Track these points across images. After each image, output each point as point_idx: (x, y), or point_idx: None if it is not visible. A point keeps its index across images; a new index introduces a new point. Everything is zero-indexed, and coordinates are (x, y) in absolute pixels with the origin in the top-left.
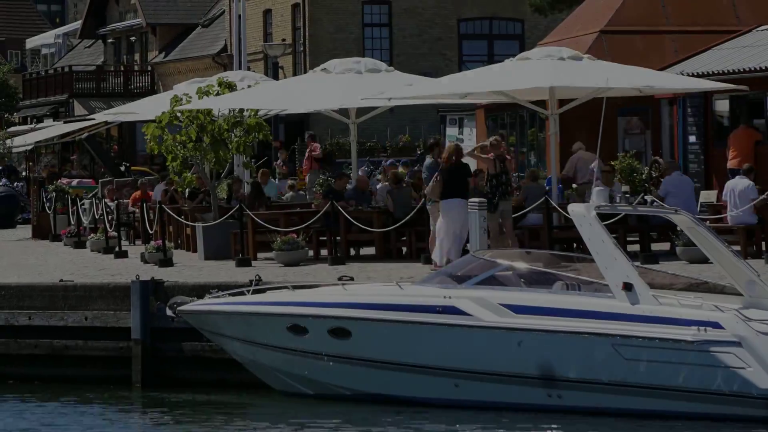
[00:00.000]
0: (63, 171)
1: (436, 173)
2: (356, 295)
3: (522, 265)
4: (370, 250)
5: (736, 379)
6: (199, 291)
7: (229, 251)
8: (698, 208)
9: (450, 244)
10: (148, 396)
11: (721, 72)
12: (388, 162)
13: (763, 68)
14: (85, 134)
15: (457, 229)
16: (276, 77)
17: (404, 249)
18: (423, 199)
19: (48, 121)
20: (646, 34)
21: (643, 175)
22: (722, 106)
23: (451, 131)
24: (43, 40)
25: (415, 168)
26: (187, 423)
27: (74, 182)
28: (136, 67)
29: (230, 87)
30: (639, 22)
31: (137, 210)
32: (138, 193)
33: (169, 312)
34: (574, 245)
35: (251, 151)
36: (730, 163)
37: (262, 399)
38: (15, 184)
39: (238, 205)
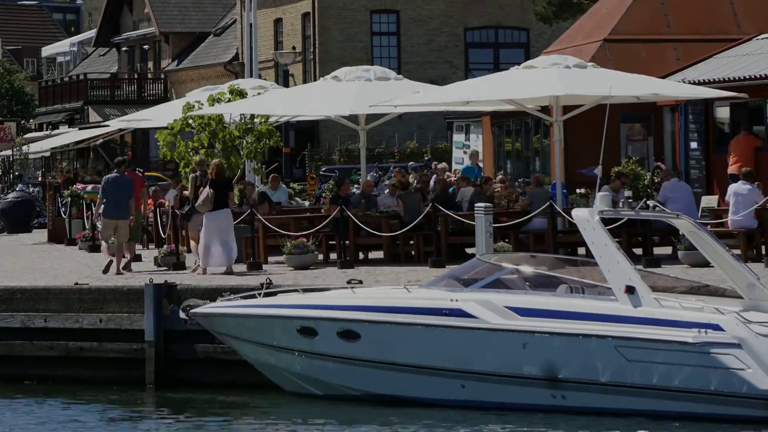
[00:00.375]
0: (78, 176)
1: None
2: (365, 298)
3: (527, 269)
4: (378, 254)
5: (737, 380)
6: (212, 294)
7: (241, 255)
8: (699, 213)
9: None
10: (161, 396)
11: (721, 80)
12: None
13: (763, 76)
14: (100, 140)
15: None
16: (286, 85)
17: (412, 252)
18: (430, 204)
19: (63, 128)
20: (649, 43)
21: (646, 181)
22: (723, 113)
23: (458, 137)
24: (59, 48)
25: (424, 172)
26: (199, 423)
27: (89, 187)
28: (149, 75)
29: (241, 94)
30: (641, 31)
31: (151, 215)
32: (150, 201)
33: (182, 314)
34: (578, 249)
35: (262, 157)
36: (731, 169)
37: (272, 400)
38: (31, 189)
39: (249, 210)
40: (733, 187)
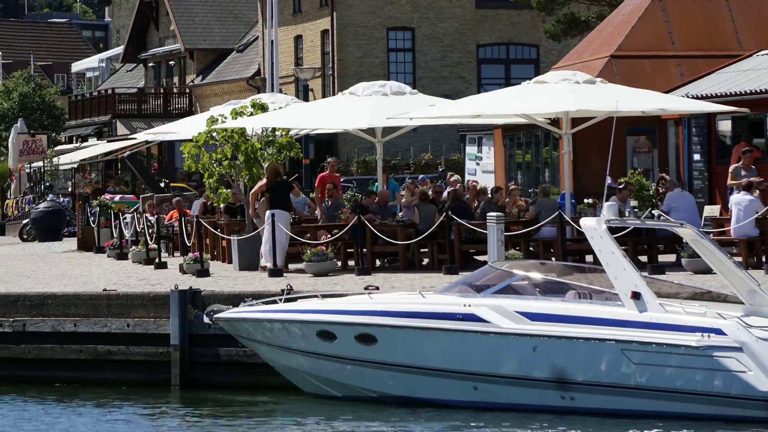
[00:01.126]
0: (106, 187)
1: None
2: (381, 303)
3: (537, 275)
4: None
5: (738, 382)
6: (234, 300)
7: None
8: (702, 222)
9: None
10: (186, 398)
11: (723, 94)
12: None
13: (764, 90)
14: (127, 152)
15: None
16: (306, 99)
17: (426, 260)
18: (444, 214)
19: (92, 141)
20: (654, 59)
21: (651, 191)
22: (725, 126)
23: (471, 149)
24: (88, 64)
25: (437, 183)
26: (222, 423)
27: (117, 198)
28: (174, 90)
29: (263, 108)
30: (647, 47)
31: (176, 224)
32: (176, 210)
33: (206, 319)
34: (586, 257)
35: (283, 169)
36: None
37: (293, 401)
38: (61, 199)
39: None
40: (734, 198)
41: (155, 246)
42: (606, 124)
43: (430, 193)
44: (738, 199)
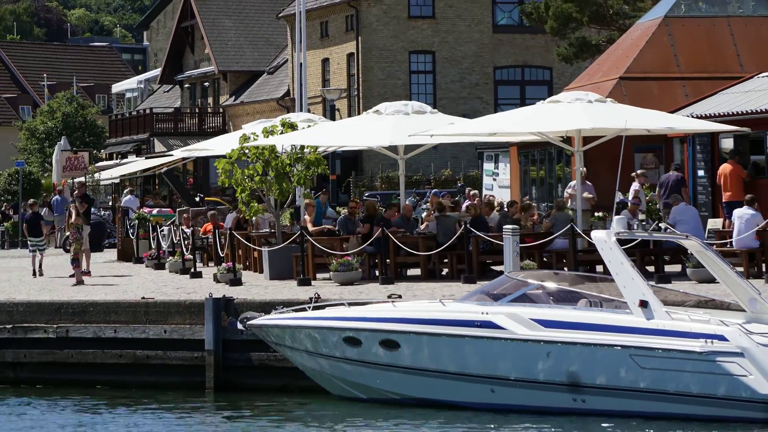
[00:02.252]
0: (145, 201)
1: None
2: (404, 311)
3: (550, 285)
4: (415, 271)
5: (739, 386)
6: (265, 307)
7: (292, 272)
8: (706, 234)
9: None
10: (220, 400)
11: (726, 114)
12: (434, 192)
13: (764, 110)
14: (164, 169)
15: None
16: (333, 118)
17: (446, 270)
18: (464, 226)
19: (131, 157)
20: (660, 80)
21: (658, 205)
22: (727, 144)
23: (488, 166)
24: (127, 85)
25: (456, 198)
26: (255, 424)
27: (155, 211)
28: (209, 109)
29: (292, 127)
30: (653, 70)
31: (210, 236)
32: (210, 223)
33: (239, 326)
34: (597, 267)
35: (311, 184)
36: (726, 197)
37: (320, 403)
38: (102, 212)
39: (299, 232)
40: (737, 212)
41: (191, 257)
42: (615, 142)
43: (448, 205)
44: (740, 213)
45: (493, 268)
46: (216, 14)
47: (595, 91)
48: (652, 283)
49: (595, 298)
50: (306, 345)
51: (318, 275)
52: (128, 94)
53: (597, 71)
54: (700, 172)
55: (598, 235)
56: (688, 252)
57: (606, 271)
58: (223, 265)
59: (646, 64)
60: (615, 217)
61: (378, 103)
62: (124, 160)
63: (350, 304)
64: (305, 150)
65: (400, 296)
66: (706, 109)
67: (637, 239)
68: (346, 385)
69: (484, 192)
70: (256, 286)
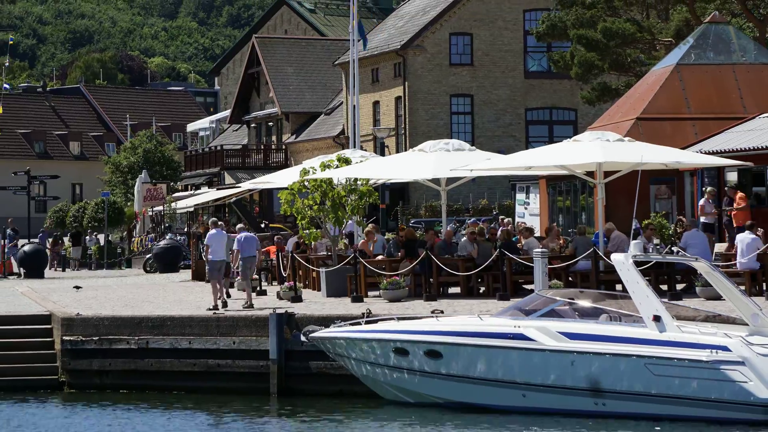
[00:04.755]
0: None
1: None
2: (446, 325)
3: (575, 302)
4: (456, 290)
5: (741, 391)
6: (323, 322)
7: (346, 290)
8: (713, 257)
9: None
10: (282, 404)
11: (731, 150)
12: (472, 220)
13: (765, 147)
14: (233, 199)
15: None
16: (383, 154)
17: (483, 289)
18: (497, 250)
19: (204, 189)
20: (673, 120)
21: (671, 231)
22: (732, 176)
23: (520, 196)
24: (201, 125)
25: (492, 225)
26: (314, 425)
27: None
28: (273, 146)
29: (347, 162)
30: (667, 111)
31: (274, 258)
32: (274, 247)
33: (302, 338)
34: (616, 286)
35: (363, 212)
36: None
37: (372, 406)
38: (178, 237)
39: (353, 254)
40: (739, 236)
41: (257, 276)
42: (633, 175)
43: (486, 233)
44: (742, 238)
45: (525, 286)
46: (279, 62)
47: (615, 130)
48: (665, 300)
49: (614, 313)
50: (360, 354)
51: (369, 293)
52: (201, 133)
53: (617, 112)
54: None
55: (617, 258)
56: (698, 272)
57: (624, 290)
58: (286, 284)
59: (660, 106)
60: (632, 242)
61: (422, 141)
62: (198, 191)
63: (399, 319)
64: (358, 182)
65: (442, 312)
66: (713, 146)
67: (652, 261)
68: (395, 391)
69: (517, 219)
70: (314, 302)
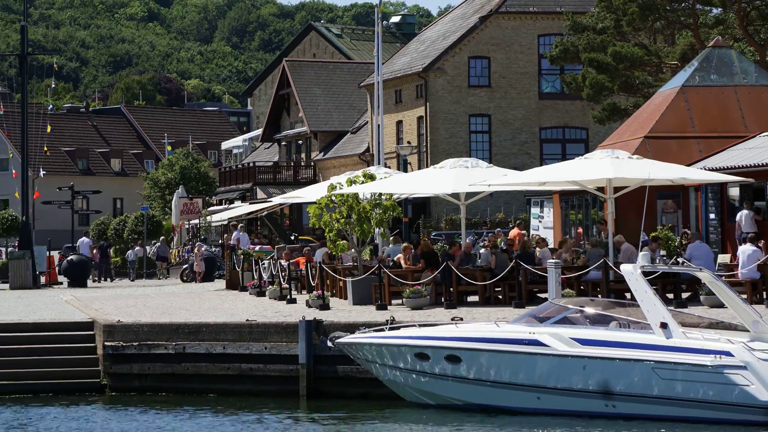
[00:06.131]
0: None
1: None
2: (465, 331)
3: (587, 309)
4: (474, 298)
5: (743, 394)
6: (349, 328)
7: (371, 298)
8: (716, 267)
9: None
10: (311, 405)
11: (733, 167)
12: (498, 229)
13: (765, 164)
14: (265, 212)
15: None
16: (405, 171)
17: (500, 297)
18: (514, 261)
19: (237, 203)
20: (678, 139)
21: (676, 243)
22: (734, 192)
23: (535, 210)
24: (234, 143)
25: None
26: (341, 425)
27: (257, 248)
28: (302, 163)
29: (372, 178)
30: (672, 130)
31: (303, 268)
32: (303, 257)
33: (329, 343)
34: (626, 294)
35: (387, 225)
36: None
37: (395, 408)
38: (213, 249)
39: (377, 265)
40: (741, 248)
41: (287, 286)
42: (641, 191)
43: (502, 245)
44: (743, 249)
45: (539, 295)
46: (308, 84)
47: (624, 148)
48: (671, 308)
49: (623, 320)
50: (384, 359)
51: (393, 301)
52: (235, 150)
53: (626, 131)
54: (712, 215)
55: (626, 268)
56: (702, 282)
57: (633, 298)
58: (314, 292)
59: (667, 125)
60: (640, 253)
61: (443, 159)
62: (231, 205)
63: (420, 326)
64: (382, 197)
65: (461, 319)
66: (716, 162)
67: (658, 271)
68: (417, 393)
69: (532, 232)
70: (341, 310)
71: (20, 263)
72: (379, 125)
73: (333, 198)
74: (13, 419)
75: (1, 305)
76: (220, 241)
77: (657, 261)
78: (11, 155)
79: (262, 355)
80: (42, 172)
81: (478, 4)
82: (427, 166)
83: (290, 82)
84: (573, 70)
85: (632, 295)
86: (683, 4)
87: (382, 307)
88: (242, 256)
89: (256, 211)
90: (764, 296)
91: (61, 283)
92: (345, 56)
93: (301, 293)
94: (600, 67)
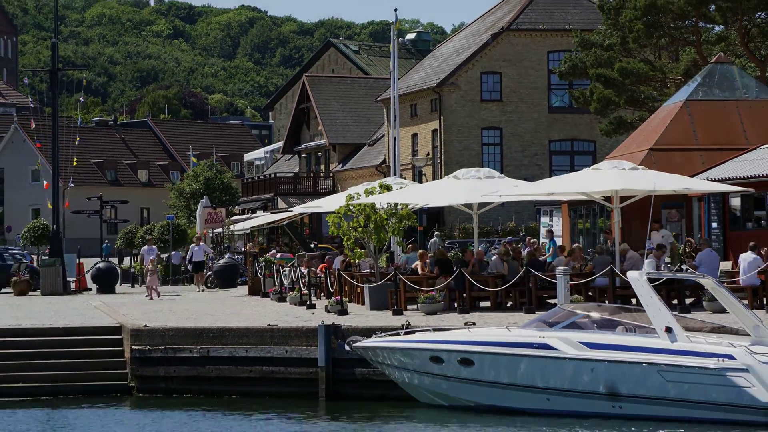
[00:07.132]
0: (270, 248)
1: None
2: (477, 335)
3: (594, 314)
4: (486, 303)
5: (745, 395)
6: (367, 332)
7: (387, 304)
8: (719, 274)
9: None
10: (330, 407)
11: (734, 178)
12: (508, 239)
13: (765, 175)
14: (286, 221)
15: None
16: (420, 181)
17: (510, 303)
18: (524, 267)
19: (259, 212)
20: (682, 151)
21: (680, 251)
22: (735, 201)
23: (544, 219)
24: (256, 155)
25: (519, 245)
26: (359, 425)
27: (278, 255)
28: (321, 174)
29: (388, 188)
30: (677, 143)
31: (322, 275)
32: (323, 264)
33: (347, 347)
34: (632, 300)
35: (403, 234)
36: None
37: (411, 409)
38: (236, 256)
39: (393, 272)
40: (742, 256)
41: (307, 292)
42: (646, 200)
43: (511, 252)
44: (744, 257)
45: (548, 301)
46: (327, 98)
47: (630, 159)
48: (676, 313)
49: (629, 325)
50: (399, 362)
51: (408, 307)
52: (257, 162)
53: (632, 143)
54: (714, 224)
55: (632, 275)
56: (705, 288)
57: (639, 304)
58: (333, 298)
59: (671, 138)
60: (646, 260)
61: (456, 170)
62: (254, 215)
63: (434, 330)
64: (398, 207)
65: (474, 323)
66: (718, 174)
67: (663, 278)
68: (431, 395)
69: (541, 240)
70: (359, 315)
71: (51, 270)
72: (395, 138)
73: (351, 207)
74: (47, 419)
75: (33, 310)
76: (242, 249)
77: (662, 268)
78: (42, 167)
79: (283, 359)
80: (71, 183)
81: (491, 21)
82: (441, 177)
83: (310, 97)
84: (581, 85)
85: (638, 300)
86: (687, 22)
87: (398, 312)
88: (264, 264)
89: (278, 220)
90: (765, 302)
91: (91, 290)
92: (362, 72)
93: (321, 299)
94: (607, 82)
